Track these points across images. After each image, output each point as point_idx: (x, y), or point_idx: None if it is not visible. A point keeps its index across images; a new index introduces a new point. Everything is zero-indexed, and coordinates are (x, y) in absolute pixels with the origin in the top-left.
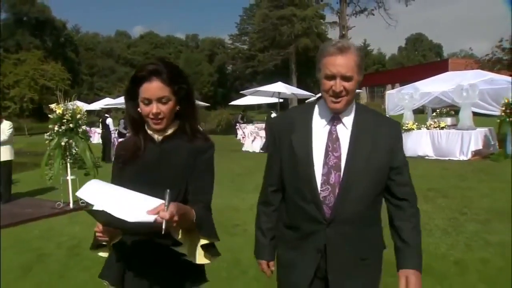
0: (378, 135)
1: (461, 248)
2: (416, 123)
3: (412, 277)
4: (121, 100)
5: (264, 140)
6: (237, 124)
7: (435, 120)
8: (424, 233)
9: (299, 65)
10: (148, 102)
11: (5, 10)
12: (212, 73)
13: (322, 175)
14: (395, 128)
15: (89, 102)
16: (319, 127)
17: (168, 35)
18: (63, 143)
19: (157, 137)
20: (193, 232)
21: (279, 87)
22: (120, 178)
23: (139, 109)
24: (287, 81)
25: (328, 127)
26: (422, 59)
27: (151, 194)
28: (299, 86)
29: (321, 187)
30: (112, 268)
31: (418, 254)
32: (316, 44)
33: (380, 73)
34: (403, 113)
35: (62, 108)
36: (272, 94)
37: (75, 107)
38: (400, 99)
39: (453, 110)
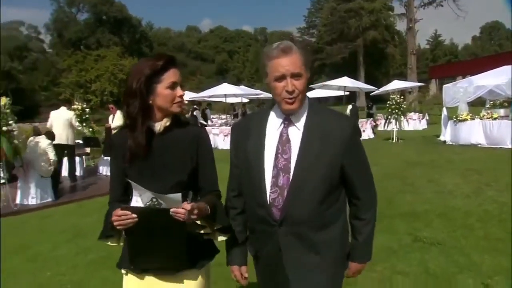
0: (329, 133)
1: (472, 204)
2: (470, 114)
3: (354, 269)
4: (203, 93)
5: None
6: None
7: (488, 111)
8: (449, 196)
9: (367, 58)
10: (175, 85)
11: (86, 11)
12: None
13: (272, 177)
14: (347, 124)
15: None
16: (272, 131)
17: (237, 29)
18: None
19: (159, 128)
20: (210, 219)
21: (345, 81)
22: (124, 171)
23: (150, 101)
24: (355, 73)
25: (280, 129)
26: (498, 48)
27: (160, 182)
28: (366, 79)
29: (271, 189)
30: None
31: (366, 248)
32: (384, 37)
33: (451, 64)
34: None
35: None
36: (338, 88)
37: None
38: (455, 92)
39: (506, 102)
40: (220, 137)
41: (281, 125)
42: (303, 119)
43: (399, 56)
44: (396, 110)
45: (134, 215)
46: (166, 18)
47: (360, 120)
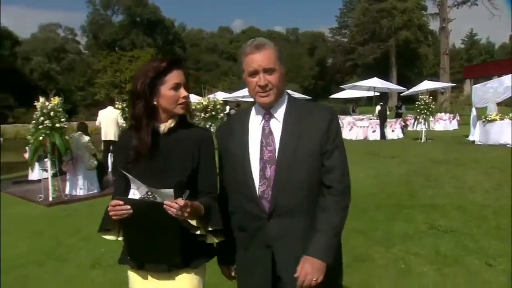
0: (308, 123)
1: (490, 199)
2: (500, 114)
3: (306, 264)
4: (237, 93)
5: (360, 129)
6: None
7: None
8: (469, 192)
9: (399, 58)
10: (178, 87)
11: (121, 13)
12: (312, 66)
13: (260, 170)
14: (325, 113)
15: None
16: (255, 126)
17: (268, 30)
18: (212, 129)
19: (163, 128)
20: (204, 221)
21: (375, 82)
22: (135, 173)
23: (155, 102)
24: (387, 74)
25: (262, 124)
26: None
27: (161, 182)
28: (399, 79)
29: (260, 181)
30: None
31: (325, 242)
32: (417, 37)
33: (486, 64)
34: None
35: (207, 100)
36: (368, 89)
37: (215, 99)
38: (484, 93)
39: None
40: None
41: (262, 119)
42: (282, 112)
43: (432, 56)
44: (425, 111)
45: (128, 207)
46: (198, 19)
47: (389, 120)
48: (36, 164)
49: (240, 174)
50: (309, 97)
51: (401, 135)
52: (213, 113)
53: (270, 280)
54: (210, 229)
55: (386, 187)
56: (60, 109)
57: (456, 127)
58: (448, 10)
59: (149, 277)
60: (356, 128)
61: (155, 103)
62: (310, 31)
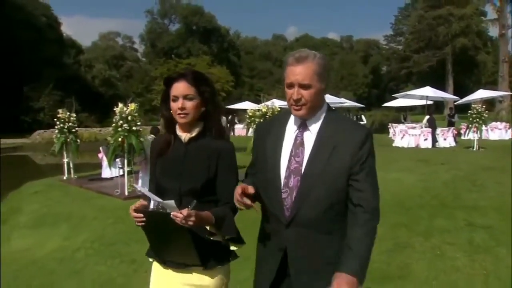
0: (341, 142)
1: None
2: None
3: (341, 279)
4: None
5: (412, 137)
6: (389, 123)
7: None
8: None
9: (456, 66)
10: (176, 98)
11: (178, 21)
12: (366, 74)
13: (284, 178)
14: (360, 134)
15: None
16: (290, 133)
17: (322, 37)
18: None
19: (184, 137)
20: (217, 228)
21: (427, 91)
22: (155, 171)
23: (171, 110)
24: (443, 82)
25: (295, 133)
26: None
27: (175, 186)
28: (456, 87)
29: (283, 189)
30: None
31: (359, 259)
32: (475, 44)
33: None
34: None
35: (266, 107)
36: (421, 98)
37: (274, 106)
38: None
39: None
40: None
41: (297, 129)
42: (317, 125)
43: (491, 63)
44: (477, 119)
45: (141, 215)
46: (252, 26)
47: (441, 128)
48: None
49: (268, 175)
50: (362, 105)
51: (453, 144)
52: None
53: (274, 273)
54: (226, 237)
55: (432, 190)
56: (136, 114)
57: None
58: (508, 16)
59: (170, 270)
60: (408, 136)
61: (171, 113)
62: (365, 39)
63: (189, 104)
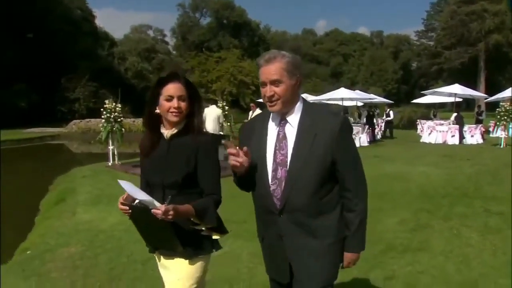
0: (320, 130)
1: None
2: None
3: (348, 259)
4: (322, 96)
5: (439, 133)
6: (418, 120)
7: None
8: None
9: (489, 63)
10: (171, 98)
11: (209, 15)
12: (396, 70)
13: (272, 171)
14: (338, 121)
15: None
16: (272, 129)
17: (352, 32)
18: None
19: (166, 134)
20: (199, 219)
21: (456, 88)
22: (142, 167)
23: (157, 110)
24: (474, 79)
25: (277, 128)
26: None
27: (159, 180)
28: (487, 85)
29: (271, 181)
30: None
31: (356, 238)
32: (509, 40)
33: None
34: None
35: None
36: (449, 95)
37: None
38: None
39: None
40: None
41: (278, 124)
42: (297, 118)
43: None
44: (505, 117)
45: (127, 208)
46: (282, 20)
47: (469, 125)
48: None
49: (258, 172)
50: (391, 101)
51: (480, 141)
52: None
53: (287, 266)
54: (209, 227)
55: (455, 182)
56: None
57: None
58: None
59: (162, 258)
60: (435, 132)
61: (157, 111)
62: (395, 34)
63: (182, 104)
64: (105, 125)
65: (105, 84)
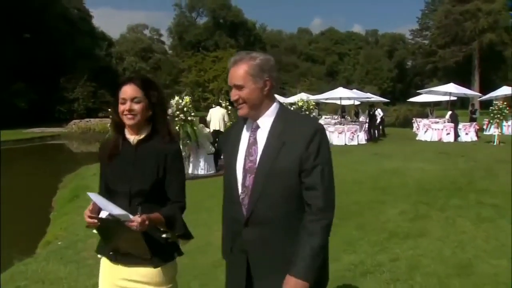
0: (291, 137)
1: None
2: None
3: (289, 284)
4: (321, 96)
5: (435, 131)
6: (414, 118)
7: None
8: None
9: (483, 61)
10: (124, 101)
11: (205, 15)
12: (391, 68)
13: (242, 178)
14: (310, 128)
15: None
16: (245, 135)
17: (347, 31)
18: None
19: (133, 140)
20: (168, 227)
21: (450, 88)
22: (104, 172)
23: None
24: (469, 77)
25: (249, 133)
26: None
27: (125, 188)
28: (482, 83)
29: (241, 189)
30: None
31: (303, 261)
32: (503, 39)
33: None
34: None
35: (302, 101)
36: (444, 94)
37: (309, 100)
38: None
39: None
40: (335, 134)
41: (251, 129)
42: (269, 124)
43: None
44: (498, 116)
45: (95, 221)
46: (277, 19)
47: (463, 123)
48: None
49: (227, 179)
50: (387, 100)
51: (475, 138)
52: (307, 112)
53: (243, 285)
54: (177, 234)
55: (450, 177)
56: (190, 106)
57: None
58: None
59: (120, 266)
60: (431, 130)
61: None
62: (390, 33)
63: (136, 106)
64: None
65: (103, 84)
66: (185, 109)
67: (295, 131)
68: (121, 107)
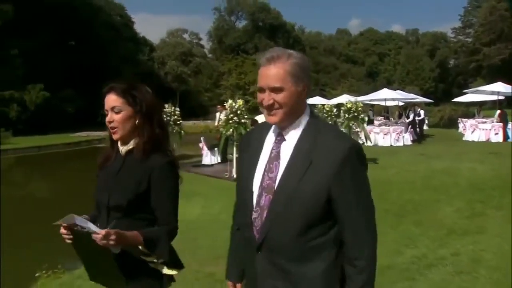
0: (321, 156)
1: None
2: None
3: None
4: (365, 97)
5: (482, 131)
6: (459, 118)
7: None
8: None
9: None
10: (106, 112)
11: (245, 18)
12: (433, 68)
13: (257, 196)
14: (342, 149)
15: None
16: (268, 145)
17: (387, 31)
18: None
19: (122, 150)
20: (149, 250)
21: (498, 87)
22: (99, 183)
23: None
24: None
25: (271, 145)
26: None
27: (105, 200)
28: None
29: (254, 208)
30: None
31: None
32: None
33: None
34: None
35: (351, 103)
36: (491, 93)
37: (357, 102)
38: None
39: None
40: (380, 135)
41: (274, 140)
42: (296, 136)
43: None
44: None
45: (69, 232)
46: (316, 21)
47: None
48: (209, 151)
49: (242, 195)
50: (431, 100)
51: None
52: (355, 114)
53: None
54: (159, 260)
55: (502, 176)
56: (243, 109)
57: None
58: None
59: None
60: (478, 130)
61: None
62: (431, 32)
63: (116, 117)
64: None
65: None
66: (238, 111)
67: (327, 148)
68: (106, 119)
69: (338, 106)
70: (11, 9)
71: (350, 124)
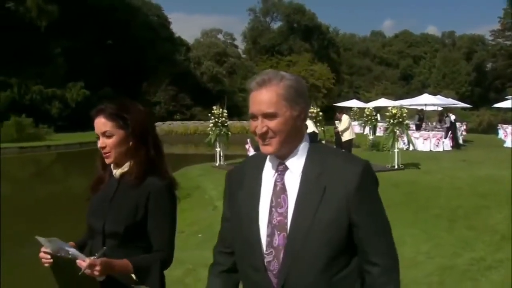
0: (332, 182)
1: None
2: None
3: None
4: (405, 101)
5: None
6: (499, 124)
7: None
8: None
9: None
10: (98, 137)
11: (279, 19)
12: (469, 72)
13: (267, 236)
14: (356, 172)
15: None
16: (268, 179)
17: (422, 33)
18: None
19: (115, 173)
20: (138, 279)
21: None
22: (90, 207)
23: None
24: None
25: (274, 177)
26: None
27: (99, 226)
28: None
29: (266, 250)
30: None
31: None
32: None
33: None
34: None
35: (397, 109)
36: None
37: (403, 108)
38: None
39: None
40: (420, 140)
41: (275, 172)
42: (300, 164)
43: None
44: None
45: (49, 257)
46: (350, 23)
47: None
48: (255, 153)
49: (245, 237)
50: (466, 105)
51: None
52: (400, 119)
53: None
54: None
55: None
56: None
57: None
58: None
59: None
60: None
61: None
62: (468, 34)
63: (108, 142)
64: (213, 129)
65: (183, 88)
66: None
67: (338, 172)
68: (98, 144)
69: (377, 110)
70: (56, 10)
71: (395, 130)
